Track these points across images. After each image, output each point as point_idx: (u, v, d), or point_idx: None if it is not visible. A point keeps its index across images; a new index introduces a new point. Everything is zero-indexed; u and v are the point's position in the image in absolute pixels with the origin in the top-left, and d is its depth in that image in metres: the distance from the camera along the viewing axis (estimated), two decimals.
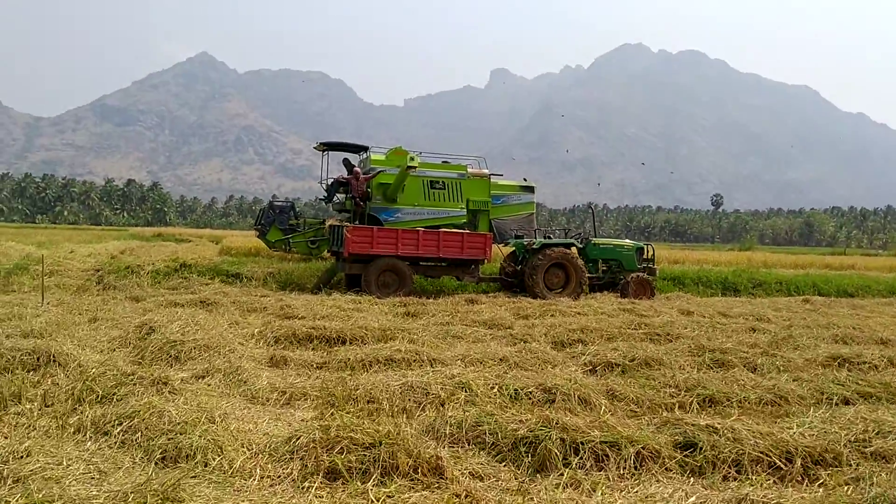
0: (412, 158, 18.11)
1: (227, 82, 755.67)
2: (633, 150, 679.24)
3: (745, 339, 11.10)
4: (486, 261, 18.30)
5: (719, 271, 22.46)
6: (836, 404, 7.06)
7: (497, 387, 7.05)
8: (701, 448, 5.10)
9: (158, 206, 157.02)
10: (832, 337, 11.56)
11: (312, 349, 9.54)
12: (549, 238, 19.29)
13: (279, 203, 22.03)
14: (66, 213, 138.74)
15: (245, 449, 5.11)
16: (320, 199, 22.93)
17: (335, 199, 21.40)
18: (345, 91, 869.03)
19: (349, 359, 8.45)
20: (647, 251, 19.95)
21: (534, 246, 18.17)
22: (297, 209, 22.45)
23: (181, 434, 5.08)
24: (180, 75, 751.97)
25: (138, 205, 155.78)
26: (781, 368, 8.76)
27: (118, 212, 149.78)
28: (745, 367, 8.79)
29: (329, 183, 21.06)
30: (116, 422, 5.45)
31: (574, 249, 18.64)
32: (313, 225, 21.56)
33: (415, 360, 8.39)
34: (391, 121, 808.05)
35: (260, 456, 5.02)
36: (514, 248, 19.46)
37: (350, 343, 9.73)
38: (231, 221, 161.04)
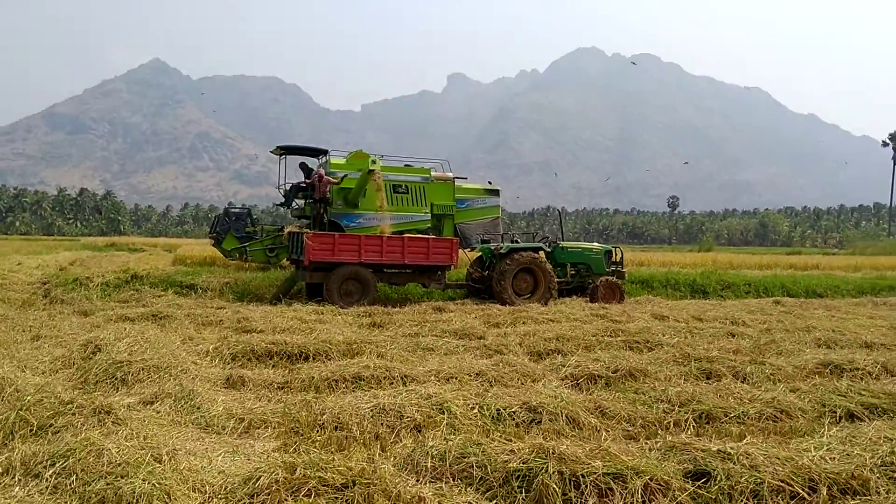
0: (374, 162, 17.48)
1: (181, 88, 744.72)
2: (589, 154, 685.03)
3: (726, 344, 10.64)
4: (452, 267, 17.65)
5: (687, 273, 22.13)
6: (842, 418, 6.60)
7: (477, 407, 6.45)
8: (715, 477, 4.54)
9: (112, 215, 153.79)
10: (814, 341, 11.19)
11: (273, 366, 8.84)
12: (517, 242, 18.75)
13: (235, 210, 21.18)
14: (17, 223, 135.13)
15: (197, 493, 4.44)
16: (277, 205, 22.14)
17: (294, 204, 20.64)
18: (300, 96, 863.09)
19: (313, 377, 7.76)
20: (616, 254, 19.53)
21: (501, 251, 17.60)
22: (254, 216, 21.63)
23: (122, 477, 4.37)
24: (133, 82, 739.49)
25: (92, 214, 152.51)
26: (772, 377, 8.30)
27: (71, 221, 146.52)
28: (734, 376, 8.30)
29: (287, 188, 20.31)
30: (49, 462, 4.73)
31: (542, 254, 18.14)
32: (271, 232, 20.74)
33: (385, 378, 7.73)
34: (348, 126, 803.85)
35: (214, 501, 4.35)
36: (480, 254, 18.88)
37: (314, 359, 9.05)
38: (187, 230, 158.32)
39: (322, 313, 13.93)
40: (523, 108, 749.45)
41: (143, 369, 7.50)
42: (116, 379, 7.36)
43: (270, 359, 9.08)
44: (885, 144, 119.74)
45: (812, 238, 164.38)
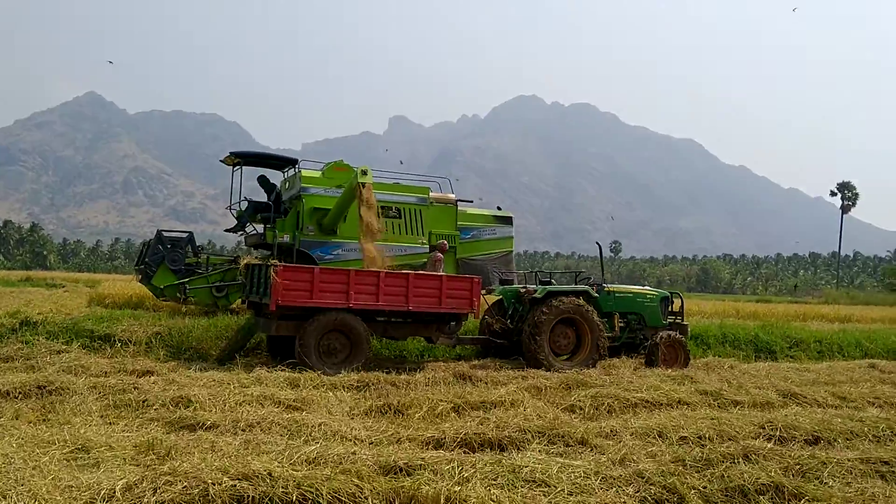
0: (364, 172, 12.94)
1: (116, 122, 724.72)
2: (528, 198, 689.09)
3: None
4: (473, 316, 12.89)
5: (745, 327, 17.85)
6: None
7: None
8: None
9: (38, 249, 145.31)
10: None
11: None
12: (551, 283, 14.27)
13: (172, 235, 16.27)
14: None
15: None
16: (228, 231, 17.31)
17: (250, 229, 16.00)
18: (240, 133, 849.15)
19: None
20: (675, 302, 15.16)
21: (535, 295, 13.05)
22: (197, 244, 16.68)
23: None
24: (66, 115, 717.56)
25: (15, 248, 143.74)
26: None
27: None
28: None
29: (242, 207, 15.66)
30: None
31: (583, 299, 13.66)
32: (220, 265, 15.94)
33: None
34: None
35: None
36: (499, 298, 14.30)
37: None
38: (117, 265, 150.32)
39: (299, 385, 9.35)
40: (464, 151, 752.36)
41: None
42: None
43: None
44: (833, 194, 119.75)
45: (753, 286, 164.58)
